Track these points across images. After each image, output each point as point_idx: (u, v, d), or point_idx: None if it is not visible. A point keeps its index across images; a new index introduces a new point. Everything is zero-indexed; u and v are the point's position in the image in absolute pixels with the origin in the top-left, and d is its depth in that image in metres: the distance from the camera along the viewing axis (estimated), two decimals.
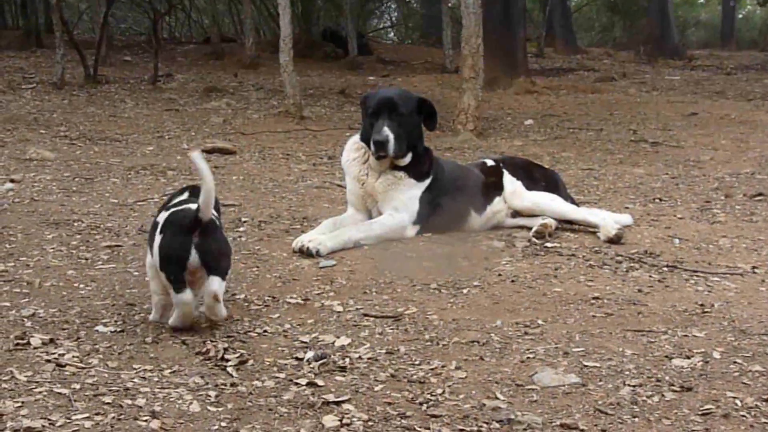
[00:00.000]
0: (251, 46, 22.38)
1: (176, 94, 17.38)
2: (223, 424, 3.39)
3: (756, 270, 5.83)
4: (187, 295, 4.31)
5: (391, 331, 4.50)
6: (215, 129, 13.85)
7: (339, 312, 4.80)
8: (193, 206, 4.41)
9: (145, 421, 3.36)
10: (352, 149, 6.86)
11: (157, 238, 4.41)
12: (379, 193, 6.63)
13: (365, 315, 4.74)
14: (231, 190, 8.75)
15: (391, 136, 6.46)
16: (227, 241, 4.64)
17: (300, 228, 6.84)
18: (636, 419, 3.50)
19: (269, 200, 8.22)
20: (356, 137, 6.89)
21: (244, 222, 7.13)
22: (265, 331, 4.45)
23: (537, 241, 6.55)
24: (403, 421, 3.46)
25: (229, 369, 3.91)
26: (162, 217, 4.54)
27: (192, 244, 4.30)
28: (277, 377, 3.84)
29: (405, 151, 6.62)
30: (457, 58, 20.12)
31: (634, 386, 3.75)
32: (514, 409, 3.57)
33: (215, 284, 4.35)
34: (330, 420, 3.43)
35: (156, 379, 3.79)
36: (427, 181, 6.73)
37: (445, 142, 13.14)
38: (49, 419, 3.33)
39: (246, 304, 4.94)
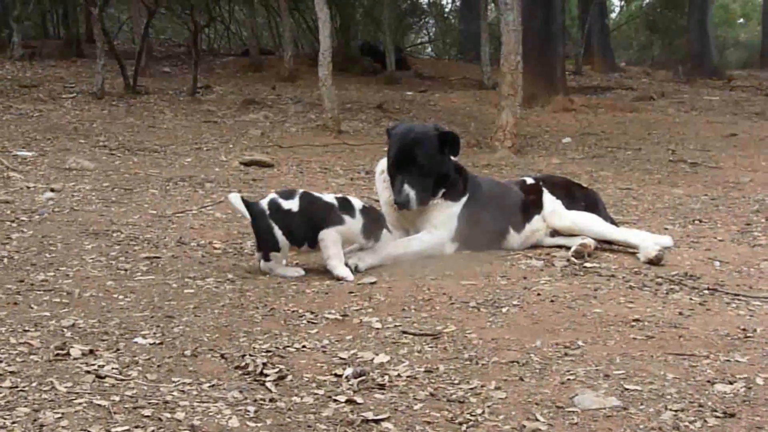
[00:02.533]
0: (290, 59, 22.45)
1: (215, 106, 17.45)
2: None
3: None
4: None
5: (429, 349, 4.47)
6: (253, 141, 13.89)
7: (377, 329, 4.78)
8: None
9: None
10: (383, 175, 6.82)
11: None
12: (416, 217, 6.61)
13: (404, 332, 4.72)
14: None
15: (412, 194, 6.41)
16: None
17: None
18: None
19: None
20: (385, 161, 6.84)
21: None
22: (303, 346, 4.44)
23: (576, 261, 6.52)
24: None
25: (268, 384, 3.90)
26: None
27: None
28: (316, 393, 3.82)
29: (430, 197, 6.58)
30: (494, 74, 20.12)
31: (675, 411, 3.71)
32: None
33: None
34: None
35: (195, 392, 3.78)
36: (464, 200, 6.71)
37: (482, 158, 13.12)
38: (88, 431, 3.33)
39: (285, 318, 4.93)
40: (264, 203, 5.88)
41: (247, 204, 5.87)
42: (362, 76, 24.17)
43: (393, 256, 6.28)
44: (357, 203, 6.08)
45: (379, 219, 6.21)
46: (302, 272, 5.92)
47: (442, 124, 16.90)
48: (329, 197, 6.06)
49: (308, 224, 5.87)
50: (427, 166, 6.48)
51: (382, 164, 6.86)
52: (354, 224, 6.00)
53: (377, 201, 7.18)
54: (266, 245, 5.83)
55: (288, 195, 5.94)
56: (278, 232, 5.81)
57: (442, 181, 6.60)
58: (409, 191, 6.40)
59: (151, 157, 11.89)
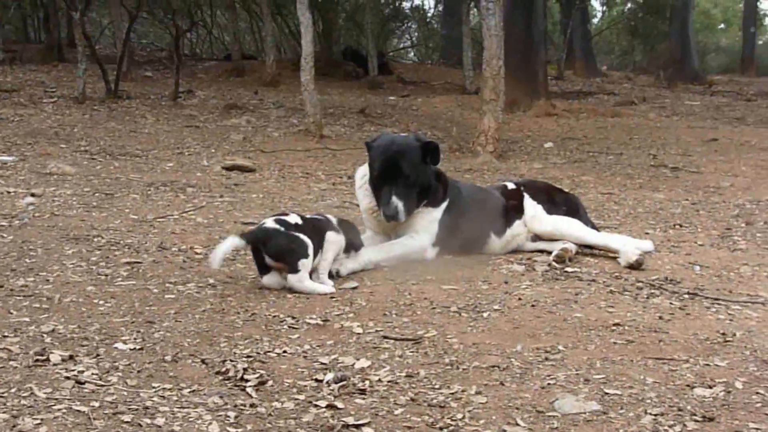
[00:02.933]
0: (272, 63, 22.43)
1: (197, 111, 17.42)
2: None
3: None
4: None
5: (411, 354, 4.48)
6: (235, 146, 13.88)
7: (359, 334, 4.78)
8: None
9: None
10: (362, 182, 6.82)
11: None
12: (397, 223, 6.61)
13: (385, 337, 4.72)
14: (251, 209, 8.76)
15: (401, 206, 6.42)
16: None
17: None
18: None
19: None
20: (365, 168, 6.84)
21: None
22: (284, 351, 4.44)
23: (557, 265, 6.54)
24: None
25: (248, 389, 3.90)
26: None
27: None
28: (297, 399, 3.82)
29: (417, 206, 6.59)
30: (477, 79, 20.15)
31: (655, 415, 3.72)
32: None
33: None
34: None
35: (175, 398, 3.77)
36: (444, 205, 6.71)
37: (464, 163, 13.14)
38: None
39: (266, 323, 4.92)
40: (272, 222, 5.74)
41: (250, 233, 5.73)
42: (344, 81, 24.18)
43: (374, 261, 6.30)
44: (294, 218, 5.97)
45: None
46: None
47: (424, 129, 16.97)
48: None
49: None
50: (412, 177, 6.48)
51: (362, 170, 6.86)
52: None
53: (356, 206, 7.19)
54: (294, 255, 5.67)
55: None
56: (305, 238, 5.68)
57: (426, 191, 6.61)
58: (398, 203, 6.41)
59: (133, 161, 11.86)
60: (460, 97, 22.13)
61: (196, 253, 6.68)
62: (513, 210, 7.16)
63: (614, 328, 4.97)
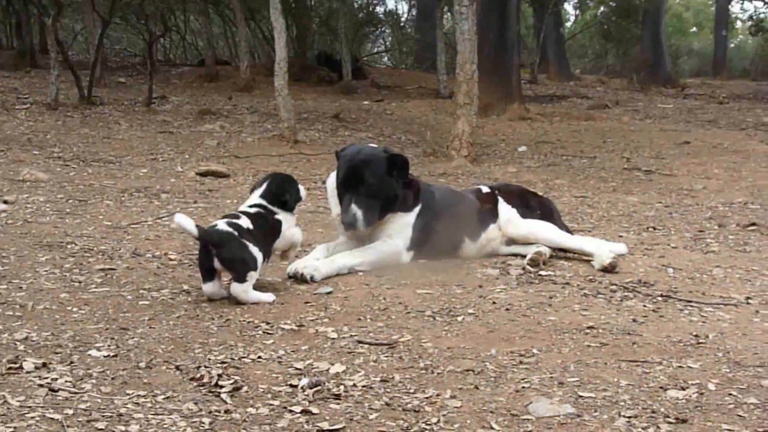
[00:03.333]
0: (246, 69, 22.40)
1: (170, 117, 17.38)
2: None
3: (750, 300, 5.83)
4: None
5: (385, 358, 4.48)
6: (209, 152, 13.86)
7: (333, 338, 4.78)
8: None
9: None
10: (334, 188, 6.82)
11: None
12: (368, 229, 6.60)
13: (360, 342, 4.72)
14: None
15: (359, 214, 6.40)
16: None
17: (294, 253, 6.82)
18: None
19: None
20: (334, 174, 6.83)
21: None
22: (259, 357, 4.43)
23: (531, 269, 6.56)
24: None
25: (223, 395, 3.89)
26: None
27: None
28: (272, 404, 3.81)
29: (378, 217, 6.56)
30: (450, 83, 20.18)
31: (629, 417, 3.73)
32: None
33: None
34: None
35: (149, 405, 3.76)
36: (417, 209, 6.72)
37: (438, 167, 13.16)
38: None
39: (240, 329, 4.92)
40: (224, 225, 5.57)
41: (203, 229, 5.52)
42: (318, 86, 24.17)
43: (349, 265, 6.29)
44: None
45: None
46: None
47: (398, 133, 17.01)
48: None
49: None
50: (375, 186, 6.47)
51: (334, 178, 6.87)
52: None
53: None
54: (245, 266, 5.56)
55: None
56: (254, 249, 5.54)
57: (392, 201, 6.59)
58: (356, 211, 6.40)
59: (106, 168, 11.82)
60: (434, 101, 22.18)
61: (170, 260, 6.67)
62: (487, 214, 7.17)
63: (588, 331, 4.99)
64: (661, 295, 5.88)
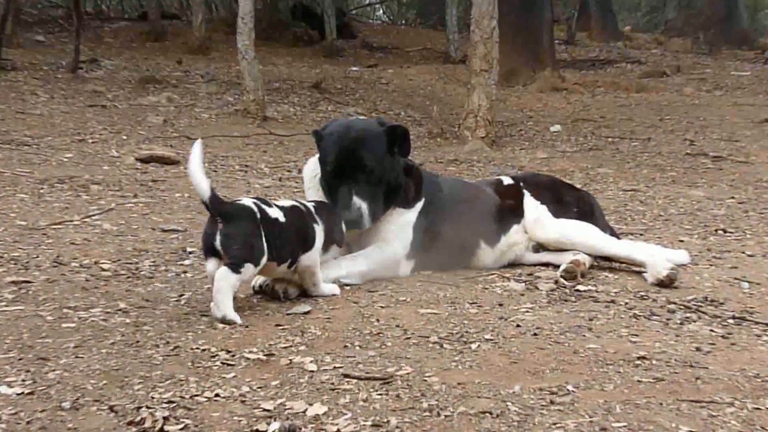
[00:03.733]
0: (200, 25, 22.38)
1: (103, 86, 17.36)
2: None
3: None
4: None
5: (378, 397, 4.49)
6: (153, 131, 13.86)
7: (312, 371, 4.79)
8: None
9: None
10: (313, 178, 6.81)
11: None
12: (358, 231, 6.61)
13: (345, 376, 4.72)
14: (173, 212, 8.75)
15: (365, 207, 6.42)
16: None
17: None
18: None
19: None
20: (316, 162, 6.82)
21: (191, 253, 7.13)
22: (216, 395, 4.44)
23: (566, 282, 6.57)
24: None
25: None
26: None
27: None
28: None
29: (384, 210, 6.60)
30: (464, 44, 20.19)
31: None
32: None
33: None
34: None
35: None
36: (419, 205, 6.72)
37: (448, 152, 13.18)
38: None
39: (193, 359, 4.93)
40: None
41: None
42: (294, 47, 24.17)
43: (333, 277, 6.29)
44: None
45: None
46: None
47: (396, 108, 17.00)
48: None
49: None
50: (377, 170, 6.48)
51: (313, 164, 6.86)
52: None
53: None
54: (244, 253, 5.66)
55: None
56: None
57: (394, 190, 6.61)
58: (361, 204, 6.39)
59: (20, 151, 11.82)
60: (442, 67, 22.18)
61: (103, 270, 6.67)
62: (509, 212, 7.19)
63: (639, 362, 5.00)
64: (734, 317, 5.88)
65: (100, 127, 13.81)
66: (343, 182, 6.45)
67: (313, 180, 6.79)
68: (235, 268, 5.49)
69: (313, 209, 6.07)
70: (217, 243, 5.53)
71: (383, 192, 6.53)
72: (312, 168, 6.83)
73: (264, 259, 5.62)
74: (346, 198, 6.41)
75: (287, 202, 6.00)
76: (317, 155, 6.80)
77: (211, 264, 5.59)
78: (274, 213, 5.74)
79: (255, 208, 5.64)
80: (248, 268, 5.53)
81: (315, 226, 5.97)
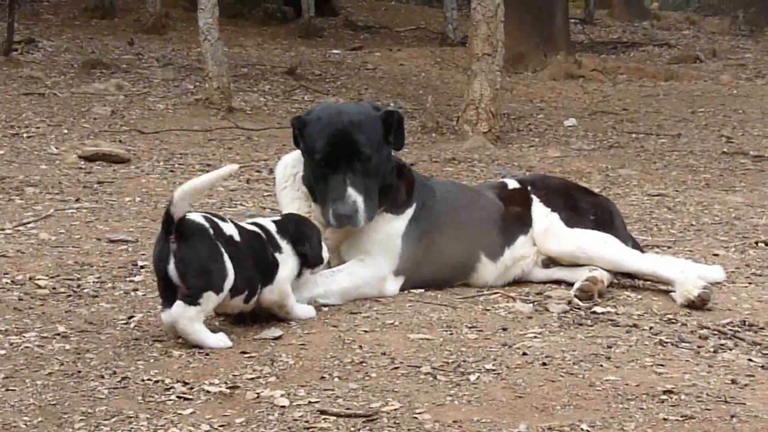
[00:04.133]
0: (155, 0, 22.39)
1: (41, 71, 17.36)
2: None
3: None
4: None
5: None
6: (99, 124, 13.86)
7: (283, 407, 4.79)
8: None
9: None
10: (287, 178, 6.81)
11: None
12: (341, 239, 6.60)
13: (322, 412, 4.73)
14: (122, 219, 8.75)
15: (360, 200, 6.39)
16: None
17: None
18: None
19: None
20: (295, 156, 6.84)
21: (142, 268, 7.13)
22: None
23: (581, 303, 6.57)
24: None
25: None
26: None
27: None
28: None
29: (378, 206, 6.60)
30: (464, 23, 20.23)
31: None
32: None
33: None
34: None
35: None
36: (410, 212, 6.71)
37: (445, 150, 13.19)
38: None
39: (144, 393, 4.93)
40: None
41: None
42: (265, 27, 24.19)
43: (307, 297, 6.29)
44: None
45: None
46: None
47: (385, 97, 17.01)
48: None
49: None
50: (374, 159, 6.50)
51: (287, 162, 6.85)
52: None
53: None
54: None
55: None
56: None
57: (384, 192, 6.61)
58: (357, 197, 6.37)
59: None
60: (438, 50, 22.21)
61: (39, 287, 6.67)
62: (515, 220, 7.19)
63: (665, 397, 5.01)
64: None
65: (37, 119, 13.82)
66: (336, 171, 6.43)
67: (290, 180, 6.77)
68: (193, 299, 5.50)
69: (275, 231, 6.09)
70: (171, 271, 5.52)
71: (379, 190, 6.53)
72: (288, 165, 6.82)
73: (228, 282, 5.61)
74: (339, 188, 6.39)
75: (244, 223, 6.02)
76: (293, 152, 6.81)
77: (166, 315, 5.60)
78: (228, 229, 5.75)
79: (206, 223, 5.64)
80: (208, 299, 5.54)
81: (277, 254, 5.99)
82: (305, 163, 6.63)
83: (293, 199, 6.73)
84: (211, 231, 5.58)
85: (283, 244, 6.00)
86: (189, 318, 5.47)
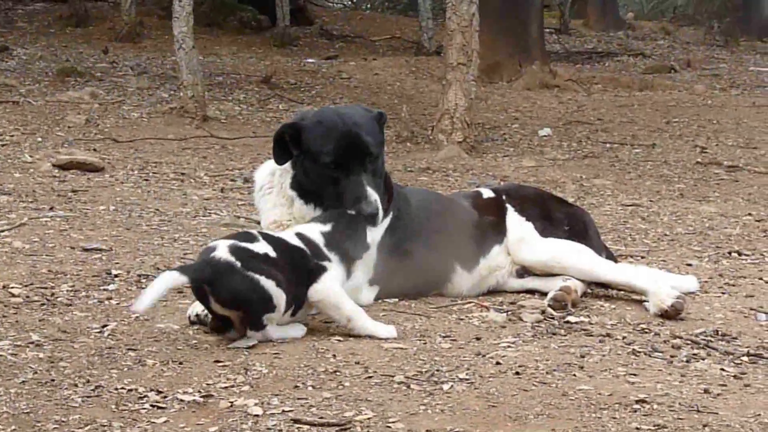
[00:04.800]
0: (130, 7, 22.35)
1: (15, 79, 17.33)
2: None
3: None
4: None
5: None
6: (74, 133, 13.83)
7: (257, 416, 4.80)
8: None
9: None
10: (271, 181, 6.81)
11: None
12: None
13: (296, 421, 4.74)
14: (96, 227, 8.74)
15: (378, 199, 6.43)
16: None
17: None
18: None
19: (154, 244, 8.22)
20: (272, 166, 6.82)
21: (116, 276, 7.13)
22: None
23: (554, 313, 6.59)
24: None
25: None
26: None
27: None
28: None
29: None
30: (439, 32, 20.25)
31: None
32: None
33: None
34: None
35: None
36: (386, 221, 6.72)
37: (419, 159, 13.20)
38: None
39: (117, 401, 4.93)
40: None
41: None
42: (240, 35, 24.17)
43: None
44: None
45: None
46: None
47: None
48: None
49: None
50: (381, 159, 6.63)
51: (269, 169, 6.85)
52: None
53: (257, 223, 7.20)
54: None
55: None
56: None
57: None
58: (376, 196, 6.40)
59: None
60: (413, 59, 22.23)
61: (12, 296, 6.65)
62: (490, 230, 7.20)
63: (638, 406, 5.03)
64: (748, 354, 5.92)
65: (11, 128, 13.79)
66: (348, 173, 6.45)
67: (272, 187, 6.75)
68: (257, 324, 5.82)
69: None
70: (216, 309, 5.82)
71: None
72: (268, 173, 6.81)
73: (281, 299, 5.79)
74: (358, 189, 6.41)
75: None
76: (264, 168, 6.84)
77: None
78: (260, 247, 5.86)
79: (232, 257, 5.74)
80: (271, 318, 5.82)
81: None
82: (302, 168, 6.59)
83: (275, 206, 6.73)
84: (237, 262, 5.69)
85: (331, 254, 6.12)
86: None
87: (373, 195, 6.38)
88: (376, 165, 6.54)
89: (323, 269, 5.99)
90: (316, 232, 6.16)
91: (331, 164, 6.46)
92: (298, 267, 5.92)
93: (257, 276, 5.64)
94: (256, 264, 5.68)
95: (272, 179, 6.79)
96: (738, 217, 10.47)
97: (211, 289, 5.60)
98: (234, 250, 5.70)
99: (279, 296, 5.69)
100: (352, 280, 6.50)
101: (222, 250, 5.69)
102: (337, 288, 5.99)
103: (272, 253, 5.80)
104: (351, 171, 6.44)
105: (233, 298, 5.65)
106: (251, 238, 5.87)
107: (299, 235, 6.11)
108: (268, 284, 5.65)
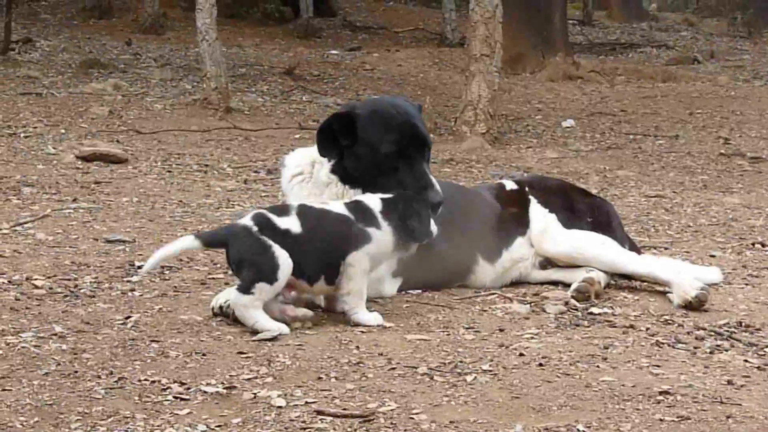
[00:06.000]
0: (153, 0, 22.36)
1: (38, 70, 17.34)
2: None
3: None
4: None
5: None
6: (97, 124, 13.84)
7: (280, 407, 4.78)
8: None
9: None
10: (298, 171, 6.79)
11: None
12: None
13: (319, 413, 4.73)
14: (119, 219, 8.74)
15: (440, 188, 6.47)
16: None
17: (224, 279, 6.83)
18: None
19: (177, 235, 8.19)
20: (305, 152, 6.82)
21: (139, 268, 7.11)
22: None
23: (578, 304, 6.57)
24: None
25: None
26: None
27: None
28: None
29: None
30: (462, 24, 20.21)
31: None
32: None
33: None
34: None
35: None
36: None
37: (443, 151, 13.16)
38: None
39: (140, 393, 4.93)
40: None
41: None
42: (264, 27, 24.15)
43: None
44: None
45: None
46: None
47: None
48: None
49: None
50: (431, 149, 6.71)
51: (301, 157, 6.82)
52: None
53: None
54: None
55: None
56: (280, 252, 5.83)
57: None
58: (437, 184, 6.45)
59: None
60: (436, 51, 22.19)
61: (36, 287, 6.65)
62: (513, 222, 7.18)
63: (662, 397, 5.01)
64: None
65: (35, 119, 13.80)
66: (410, 162, 6.48)
67: (307, 176, 6.73)
68: (245, 288, 5.79)
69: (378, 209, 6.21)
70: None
71: None
72: (301, 162, 6.79)
73: (282, 272, 5.81)
74: (423, 177, 6.45)
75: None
76: (303, 149, 6.86)
77: None
78: (284, 222, 5.93)
79: (250, 222, 5.88)
80: (261, 289, 5.78)
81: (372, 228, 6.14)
82: (353, 157, 6.55)
83: (309, 195, 6.69)
84: (254, 227, 5.80)
85: (384, 222, 6.09)
86: (243, 305, 5.77)
87: (437, 184, 6.42)
88: (430, 154, 6.61)
89: (367, 239, 6.01)
90: (376, 198, 6.18)
91: (394, 153, 6.46)
92: (337, 235, 5.98)
93: (269, 242, 5.75)
94: (272, 234, 5.78)
95: (307, 168, 6.77)
96: (761, 208, 10.43)
97: (226, 252, 5.83)
98: (256, 216, 5.88)
99: (283, 271, 5.74)
100: (376, 272, 6.50)
101: (247, 217, 5.92)
102: (366, 264, 6.02)
103: (296, 229, 5.85)
104: (414, 160, 6.47)
105: (240, 259, 5.78)
106: (284, 211, 5.97)
107: (354, 203, 6.17)
108: (279, 253, 5.73)
